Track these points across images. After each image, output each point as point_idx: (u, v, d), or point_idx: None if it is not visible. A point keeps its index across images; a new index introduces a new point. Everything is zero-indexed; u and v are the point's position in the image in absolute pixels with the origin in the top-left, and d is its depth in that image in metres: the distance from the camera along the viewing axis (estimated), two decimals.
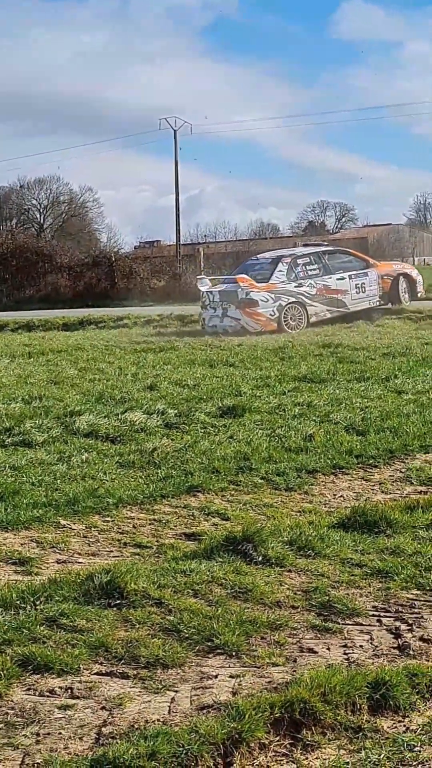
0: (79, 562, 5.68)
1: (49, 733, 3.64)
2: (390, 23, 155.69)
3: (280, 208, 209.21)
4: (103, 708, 3.83)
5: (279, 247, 41.46)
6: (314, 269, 22.69)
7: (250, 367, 13.80)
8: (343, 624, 4.68)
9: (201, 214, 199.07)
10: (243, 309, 21.40)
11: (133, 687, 4.02)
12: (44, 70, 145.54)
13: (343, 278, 22.92)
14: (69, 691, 4.01)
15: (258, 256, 25.31)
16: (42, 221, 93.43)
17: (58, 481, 7.43)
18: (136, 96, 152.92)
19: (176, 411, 10.08)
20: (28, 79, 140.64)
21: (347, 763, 3.40)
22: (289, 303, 21.78)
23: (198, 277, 23.81)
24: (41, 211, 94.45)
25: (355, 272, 23.28)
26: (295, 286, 22.07)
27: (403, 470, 7.66)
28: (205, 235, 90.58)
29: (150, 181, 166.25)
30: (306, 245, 27.47)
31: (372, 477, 7.55)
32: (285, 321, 21.55)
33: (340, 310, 22.61)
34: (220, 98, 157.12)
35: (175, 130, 70.57)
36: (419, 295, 24.93)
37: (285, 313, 21.65)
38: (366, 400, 10.45)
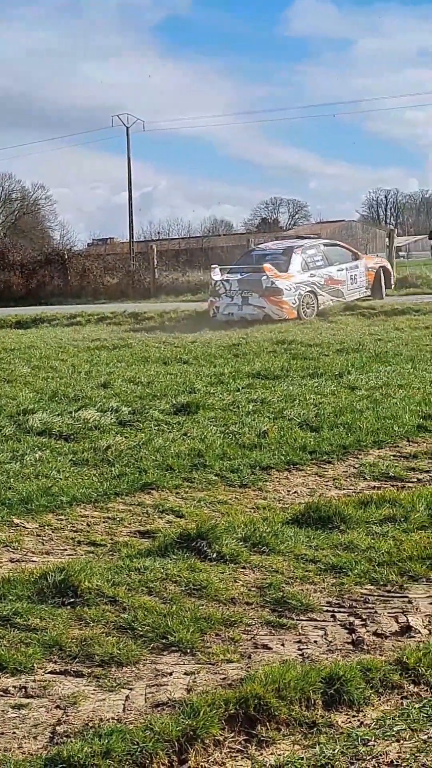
0: (32, 561, 5.65)
1: (2, 733, 3.62)
2: (343, 21, 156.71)
3: (233, 205, 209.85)
4: (57, 707, 3.82)
5: (233, 243, 41.68)
6: (319, 260, 23.54)
7: (204, 364, 13.80)
8: (297, 620, 4.70)
9: (154, 212, 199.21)
10: (268, 297, 21.89)
11: (88, 685, 4.01)
12: None
13: (341, 269, 23.95)
14: (23, 690, 3.99)
15: (262, 246, 26.34)
16: None
17: (12, 479, 7.40)
18: (88, 93, 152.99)
19: (130, 408, 10.07)
20: None
21: (302, 758, 3.41)
22: (306, 292, 22.48)
23: (211, 266, 24.31)
24: None
25: (348, 263, 24.36)
26: (309, 276, 22.79)
27: (356, 466, 7.69)
28: (158, 232, 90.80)
29: (103, 179, 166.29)
30: (300, 237, 28.38)
31: (326, 473, 7.57)
32: (303, 309, 22.22)
33: (339, 299, 23.53)
34: (173, 95, 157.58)
35: (127, 127, 70.65)
36: (392, 286, 26.32)
37: (302, 302, 22.31)
38: (319, 397, 10.49)
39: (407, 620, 4.62)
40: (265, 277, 21.92)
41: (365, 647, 4.34)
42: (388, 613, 4.74)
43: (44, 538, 6.13)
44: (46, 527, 6.32)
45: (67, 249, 49.45)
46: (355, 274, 24.41)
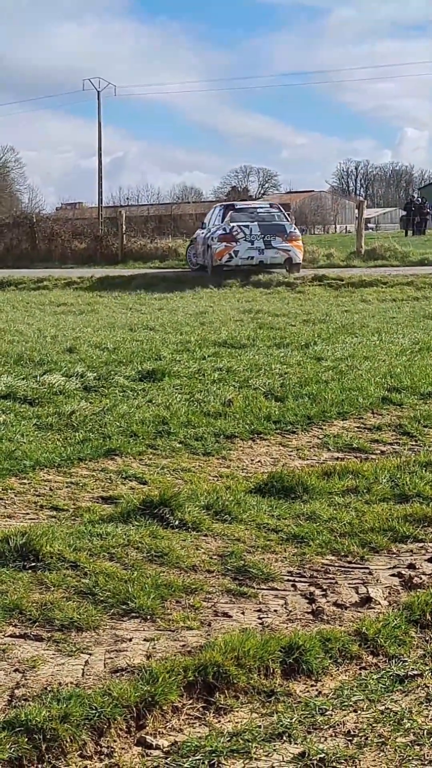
0: None
1: None
2: None
3: (205, 172, 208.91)
4: (16, 670, 3.81)
5: (202, 211, 41.93)
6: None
7: (171, 332, 13.77)
8: (258, 589, 4.71)
9: (124, 177, 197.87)
10: (292, 241, 23.48)
11: (47, 649, 4.00)
12: None
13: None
14: None
15: (247, 204, 27.86)
16: None
17: None
18: (59, 56, 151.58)
19: (95, 374, 10.04)
20: None
21: (259, 726, 3.42)
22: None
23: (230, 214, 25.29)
24: None
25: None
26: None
27: (320, 436, 7.71)
28: (127, 198, 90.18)
29: (73, 143, 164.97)
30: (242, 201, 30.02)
31: (290, 443, 7.58)
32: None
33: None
34: (146, 61, 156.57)
35: (98, 92, 69.91)
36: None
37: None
38: (285, 366, 10.49)
39: (367, 591, 4.64)
40: (288, 223, 23.63)
41: (325, 617, 4.36)
42: (349, 583, 4.77)
43: (6, 501, 6.10)
44: (9, 491, 6.29)
45: (36, 213, 49.11)
46: None
